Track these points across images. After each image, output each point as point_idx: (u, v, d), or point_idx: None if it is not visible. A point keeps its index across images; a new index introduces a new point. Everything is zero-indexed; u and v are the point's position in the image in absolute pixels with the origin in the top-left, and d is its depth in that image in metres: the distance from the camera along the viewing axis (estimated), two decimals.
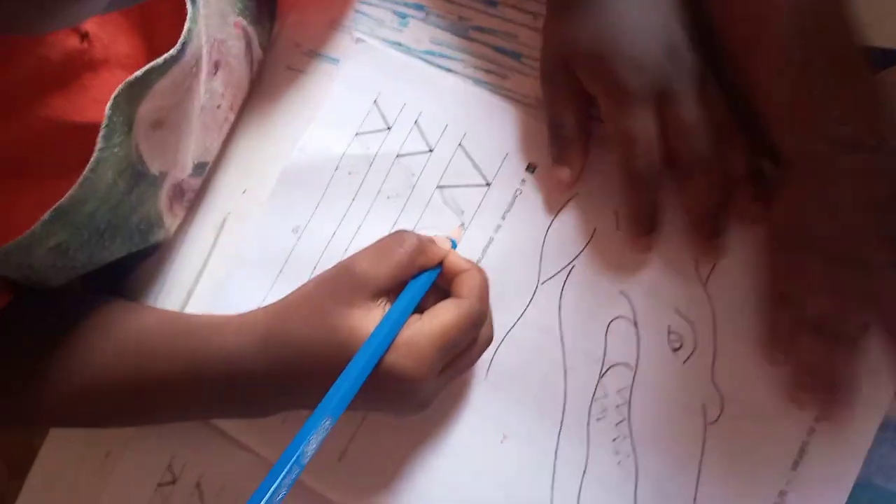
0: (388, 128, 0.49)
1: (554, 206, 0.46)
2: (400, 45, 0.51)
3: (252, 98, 0.52)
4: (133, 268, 0.50)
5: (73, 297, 0.45)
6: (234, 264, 0.48)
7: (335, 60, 0.51)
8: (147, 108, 0.38)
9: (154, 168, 0.41)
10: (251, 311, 0.42)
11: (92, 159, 0.36)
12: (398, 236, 0.41)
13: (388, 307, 0.39)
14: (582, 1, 0.43)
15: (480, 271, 0.42)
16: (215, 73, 0.45)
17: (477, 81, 0.49)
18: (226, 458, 0.46)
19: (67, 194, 0.36)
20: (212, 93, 0.45)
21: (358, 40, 0.50)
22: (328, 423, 0.36)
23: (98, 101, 0.36)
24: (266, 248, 0.48)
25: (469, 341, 0.41)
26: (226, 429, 0.46)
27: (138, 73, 0.36)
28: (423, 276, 0.41)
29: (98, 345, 0.43)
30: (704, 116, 0.41)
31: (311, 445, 0.36)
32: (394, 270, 0.39)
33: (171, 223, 0.47)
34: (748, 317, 0.44)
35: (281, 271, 0.48)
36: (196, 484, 0.46)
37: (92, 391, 0.42)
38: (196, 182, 0.49)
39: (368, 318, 0.38)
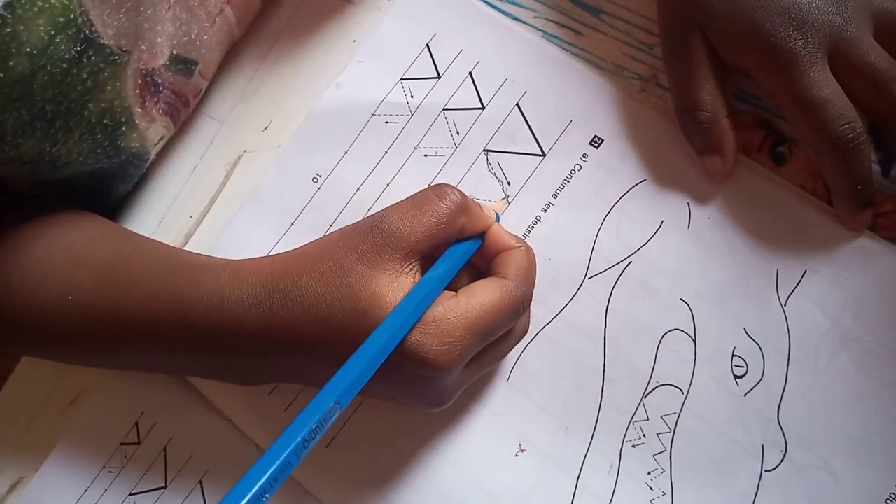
0: (438, 76, 0.42)
1: (617, 190, 0.40)
2: None
3: (288, 24, 0.46)
4: (121, 194, 0.44)
5: (50, 207, 0.39)
6: (241, 209, 0.42)
7: None
8: None
9: (108, 37, 0.35)
10: (255, 258, 0.36)
11: None
12: (440, 188, 0.34)
13: (418, 276, 0.33)
14: None
15: (529, 251, 0.35)
16: None
17: (546, 35, 0.43)
18: (200, 425, 0.40)
19: None
20: None
21: None
22: (335, 410, 0.30)
23: None
24: (281, 194, 0.42)
25: (506, 330, 0.35)
26: (204, 391, 0.40)
27: None
28: (461, 245, 0.35)
29: (71, 260, 0.37)
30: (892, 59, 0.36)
31: (311, 435, 0.29)
32: (431, 227, 0.33)
33: (146, 126, 0.40)
34: (831, 350, 0.36)
35: (293, 223, 0.42)
36: (162, 448, 0.40)
37: (58, 311, 0.36)
38: (179, 82, 0.42)
39: (396, 286, 0.32)
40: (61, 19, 0.32)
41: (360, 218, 0.35)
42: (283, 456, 0.27)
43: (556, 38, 0.43)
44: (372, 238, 0.33)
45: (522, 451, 0.38)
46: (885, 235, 0.38)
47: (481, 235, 0.35)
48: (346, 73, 0.43)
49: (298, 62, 0.45)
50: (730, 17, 0.36)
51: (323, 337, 0.32)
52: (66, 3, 0.32)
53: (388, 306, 0.31)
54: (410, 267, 0.33)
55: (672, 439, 0.37)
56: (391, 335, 0.31)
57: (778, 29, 0.35)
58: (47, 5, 0.31)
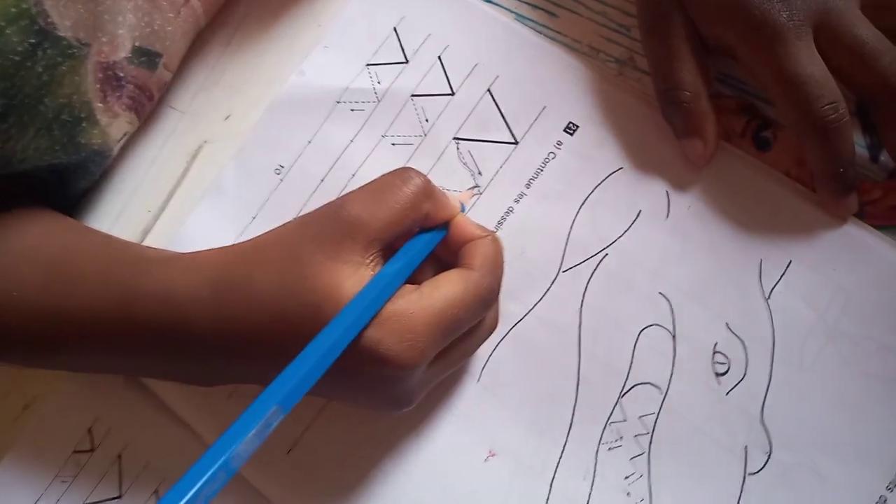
0: (406, 61, 0.40)
1: (592, 179, 0.38)
2: None
3: (249, 9, 0.44)
4: (81, 190, 0.42)
5: (1, 201, 0.37)
6: (199, 203, 0.40)
7: None
8: None
9: (65, 29, 0.33)
10: (210, 249, 0.34)
11: None
12: (402, 172, 0.32)
13: (379, 267, 0.31)
14: None
15: (497, 240, 0.34)
16: None
17: (520, 17, 0.41)
18: (156, 431, 0.38)
19: None
20: None
21: None
22: (277, 414, 0.27)
23: None
24: (242, 187, 0.40)
25: (473, 325, 0.32)
26: (161, 395, 0.38)
27: None
28: (424, 235, 0.33)
29: (17, 255, 0.35)
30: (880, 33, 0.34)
31: (248, 444, 0.26)
32: (393, 214, 0.31)
33: (108, 122, 0.38)
34: (817, 345, 0.35)
35: (255, 217, 0.40)
36: (117, 455, 0.38)
37: (6, 311, 0.34)
38: (143, 75, 0.39)
39: (355, 278, 0.30)
40: (13, 10, 0.30)
41: None
42: (213, 469, 0.25)
43: (529, 20, 0.41)
44: (330, 226, 0.31)
45: (493, 455, 0.36)
46: (874, 223, 0.36)
47: (446, 226, 0.33)
48: (310, 59, 0.41)
49: (262, 48, 0.43)
50: None
51: (276, 333, 0.30)
52: None
53: (345, 300, 0.29)
54: (371, 258, 0.31)
55: (650, 441, 0.35)
56: (343, 332, 0.28)
57: (760, 2, 0.34)
58: None
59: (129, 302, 0.33)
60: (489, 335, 0.35)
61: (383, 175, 0.33)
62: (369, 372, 0.30)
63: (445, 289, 0.31)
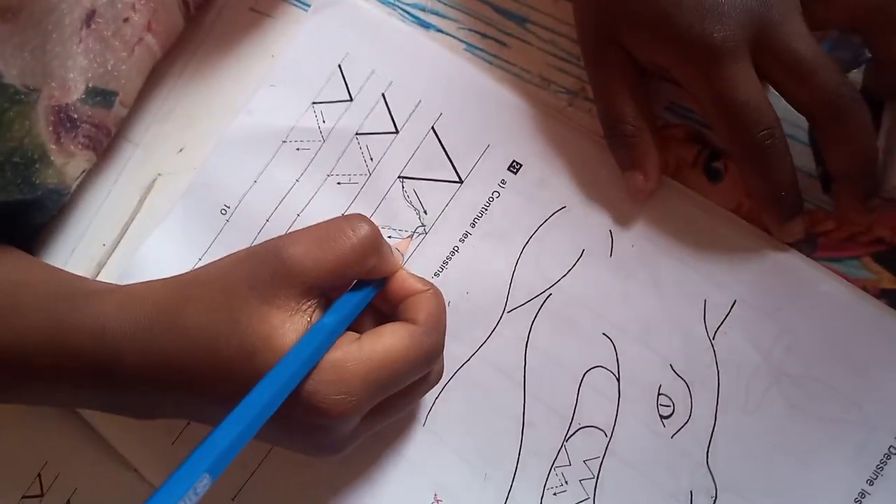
0: (351, 98, 0.40)
1: (536, 218, 0.37)
2: None
3: (204, 39, 0.43)
4: (36, 225, 0.42)
5: None
6: (147, 240, 0.40)
7: (307, 6, 0.42)
8: None
9: (11, 76, 0.33)
10: (149, 281, 0.33)
11: None
12: (353, 220, 0.31)
13: (316, 315, 0.30)
14: None
15: (439, 295, 0.33)
16: None
17: (469, 47, 0.40)
18: (104, 475, 0.38)
19: None
20: None
21: None
22: (205, 481, 0.26)
23: None
24: (189, 226, 0.40)
25: (414, 380, 0.32)
26: (110, 439, 0.38)
27: None
28: (364, 287, 0.32)
29: None
30: (819, 45, 0.33)
31: None
32: (338, 264, 0.30)
33: (64, 162, 0.38)
34: (762, 386, 0.34)
35: (201, 258, 0.39)
36: (66, 501, 0.38)
37: None
38: (99, 115, 0.39)
39: (289, 325, 0.29)
40: None
41: None
42: None
43: (479, 49, 0.40)
44: (267, 268, 0.30)
45: (438, 501, 0.35)
46: (827, 255, 0.36)
47: (382, 281, 0.33)
48: (257, 98, 0.41)
49: (214, 80, 0.43)
50: (642, 18, 0.34)
51: (207, 374, 0.30)
52: None
53: (278, 349, 0.29)
54: (308, 305, 0.30)
55: (595, 486, 0.35)
56: (280, 388, 0.28)
57: (692, 23, 0.33)
58: None
59: (62, 336, 0.32)
60: (431, 389, 0.34)
61: (333, 219, 0.32)
62: (302, 418, 0.29)
63: (387, 342, 0.30)
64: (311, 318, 0.30)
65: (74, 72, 0.36)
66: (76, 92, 0.37)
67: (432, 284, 0.33)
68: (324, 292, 0.31)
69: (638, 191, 0.36)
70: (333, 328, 0.30)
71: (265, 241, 0.32)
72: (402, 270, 0.33)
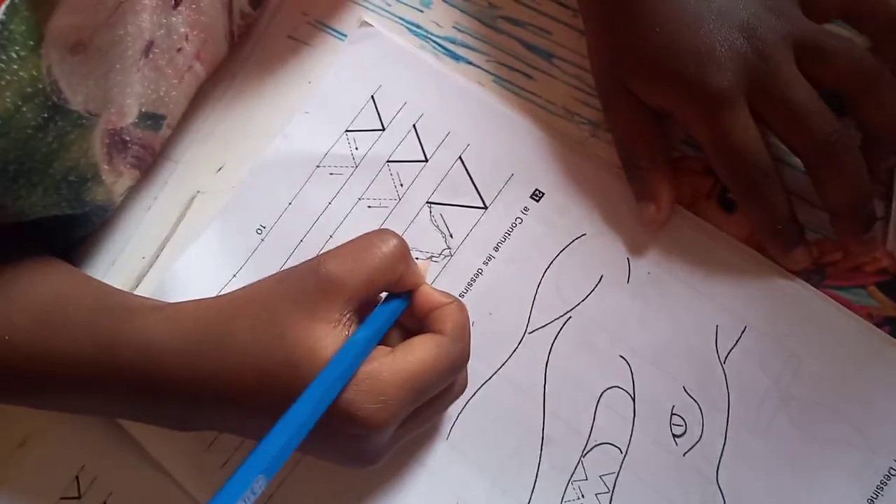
0: (383, 128, 0.42)
1: (557, 243, 0.39)
2: (418, 27, 0.44)
3: (244, 65, 0.46)
4: (81, 237, 0.44)
5: None
6: (183, 257, 0.42)
7: (344, 36, 0.45)
8: (61, 24, 0.32)
9: (77, 103, 0.35)
10: (191, 301, 0.35)
11: None
12: (381, 234, 0.33)
13: (354, 327, 0.32)
14: (623, 9, 0.37)
15: (463, 307, 0.35)
16: (175, 7, 0.38)
17: (498, 80, 0.43)
18: (140, 480, 0.40)
19: None
20: (169, 29, 0.39)
21: (363, 24, 0.44)
22: (261, 482, 0.28)
23: None
24: (224, 245, 0.42)
25: (443, 388, 0.34)
26: (145, 444, 0.40)
27: None
28: (393, 301, 0.34)
29: (10, 300, 0.36)
30: (813, 90, 0.35)
31: None
32: (371, 274, 0.32)
33: (113, 181, 0.40)
34: (770, 409, 0.36)
35: (235, 275, 0.41)
36: (102, 503, 0.40)
37: None
38: (148, 137, 0.42)
39: (332, 337, 0.31)
40: (29, 89, 0.32)
41: None
42: None
43: (507, 82, 0.43)
44: (309, 284, 0.32)
45: None
46: (835, 284, 0.38)
47: (409, 294, 0.35)
48: (293, 123, 0.43)
49: (253, 103, 0.45)
50: (645, 68, 0.36)
51: (252, 388, 0.31)
52: (35, 74, 0.32)
53: (322, 360, 0.30)
54: (348, 317, 0.32)
55: (611, 500, 0.36)
56: (322, 395, 0.29)
57: (691, 73, 0.35)
58: (15, 78, 0.31)
59: (108, 349, 0.34)
60: (458, 398, 0.36)
61: (363, 235, 0.34)
62: (340, 430, 0.31)
63: (418, 353, 0.32)
64: (349, 330, 0.32)
65: (131, 98, 0.38)
66: (130, 116, 0.39)
67: (456, 297, 0.35)
68: (362, 303, 0.32)
69: (650, 221, 0.38)
70: (368, 339, 0.32)
71: (303, 262, 0.34)
72: (426, 286, 0.35)
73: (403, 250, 0.33)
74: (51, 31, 0.32)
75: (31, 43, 0.31)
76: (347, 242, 0.33)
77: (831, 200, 0.36)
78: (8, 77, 0.31)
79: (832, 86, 0.36)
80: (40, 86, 0.33)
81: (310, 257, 0.36)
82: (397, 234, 0.33)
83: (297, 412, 0.29)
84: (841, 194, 0.36)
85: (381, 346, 0.32)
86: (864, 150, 0.36)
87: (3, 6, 0.29)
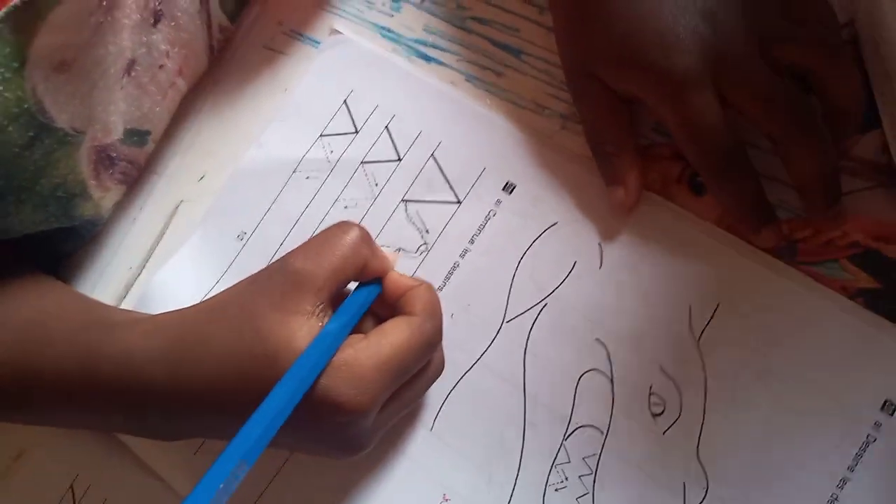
0: (356, 131, 0.43)
1: (530, 233, 0.40)
2: (389, 31, 0.45)
3: (222, 76, 0.47)
4: (69, 251, 0.45)
5: None
6: (165, 267, 0.43)
7: (318, 44, 0.46)
8: (45, 44, 0.33)
9: (62, 121, 0.36)
10: (170, 311, 0.36)
11: None
12: (341, 225, 0.35)
13: (328, 317, 0.33)
14: (587, 5, 0.37)
15: (431, 287, 0.36)
16: (154, 25, 0.40)
17: (470, 77, 0.44)
18: (133, 485, 0.40)
19: None
20: (150, 47, 0.40)
21: (333, 32, 0.45)
22: (242, 468, 0.29)
23: None
24: (206, 252, 0.43)
25: (420, 367, 0.34)
26: (136, 450, 0.40)
27: None
28: (363, 289, 0.35)
29: None
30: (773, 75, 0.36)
31: (217, 499, 0.28)
32: (337, 263, 0.33)
33: (101, 196, 0.41)
34: (747, 383, 0.36)
35: (219, 280, 0.42)
36: None
37: None
38: (133, 153, 0.43)
39: (307, 328, 0.32)
40: (14, 110, 0.33)
41: None
42: None
43: (478, 80, 0.44)
44: (279, 280, 0.33)
45: (446, 500, 0.38)
46: (807, 260, 0.38)
47: (379, 281, 0.35)
48: (268, 132, 0.44)
49: (232, 112, 0.46)
50: (613, 58, 0.37)
51: (234, 388, 0.32)
52: (20, 94, 0.33)
53: (299, 350, 0.31)
54: (320, 308, 0.33)
55: (594, 481, 0.37)
56: (299, 382, 0.30)
57: (656, 58, 0.36)
58: (1, 99, 0.32)
59: (91, 364, 0.34)
60: (436, 377, 0.37)
61: (324, 229, 0.35)
62: (324, 419, 0.31)
63: (392, 335, 0.33)
64: (323, 321, 0.32)
65: (115, 115, 0.39)
66: (116, 133, 0.40)
67: (424, 280, 0.36)
68: (333, 294, 0.33)
69: (618, 204, 0.39)
70: (342, 326, 0.32)
71: (271, 262, 0.35)
72: (394, 273, 0.36)
73: (364, 236, 0.34)
74: (34, 52, 0.33)
75: (16, 65, 0.32)
76: (311, 238, 0.34)
77: (799, 175, 0.37)
78: None
79: (796, 63, 0.37)
80: (25, 105, 0.34)
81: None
82: (356, 223, 0.35)
83: (275, 398, 0.30)
84: (808, 168, 0.36)
85: (356, 334, 0.33)
86: (829, 126, 0.37)
87: None
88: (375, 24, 0.46)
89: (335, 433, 0.33)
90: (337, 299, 0.34)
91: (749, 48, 0.36)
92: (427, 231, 0.41)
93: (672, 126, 0.37)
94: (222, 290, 0.35)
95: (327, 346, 0.31)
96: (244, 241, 0.43)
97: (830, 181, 0.37)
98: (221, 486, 0.28)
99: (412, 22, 0.45)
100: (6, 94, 0.32)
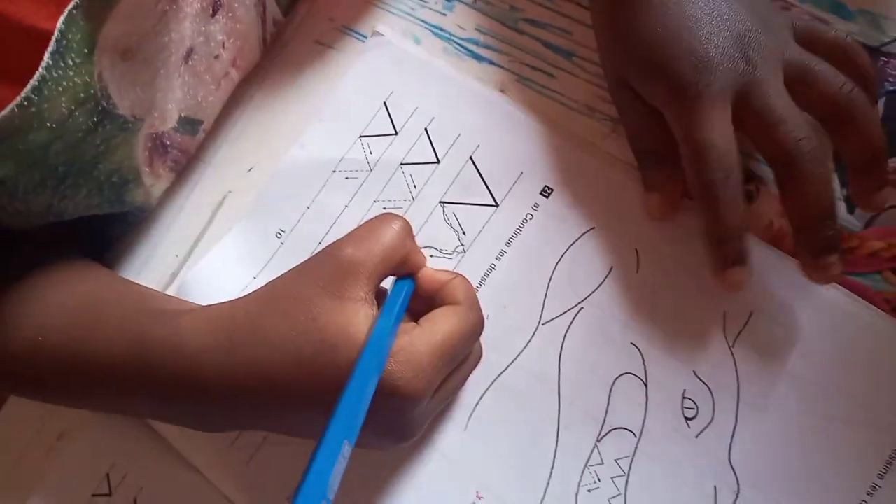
0: (396, 132, 0.44)
1: (567, 237, 0.41)
2: (441, 29, 0.46)
3: (273, 69, 0.47)
4: (116, 236, 0.45)
5: (29, 245, 0.40)
6: (203, 260, 0.43)
7: (366, 37, 0.47)
8: (112, 31, 0.34)
9: (124, 108, 0.37)
10: (219, 303, 0.36)
11: (35, 76, 0.31)
12: (384, 216, 0.36)
13: (376, 304, 0.33)
14: (625, 9, 0.39)
15: (467, 279, 0.37)
16: (213, 16, 0.40)
17: (521, 79, 0.44)
18: (169, 477, 0.41)
19: (3, 113, 0.31)
20: (207, 37, 0.40)
21: (374, 33, 0.45)
22: (347, 448, 0.29)
23: (59, 3, 0.31)
24: (244, 249, 0.43)
25: (466, 355, 0.36)
26: (174, 442, 0.41)
27: None
28: (403, 282, 0.36)
29: (45, 302, 0.38)
30: (794, 104, 0.36)
31: (334, 482, 0.28)
32: (385, 250, 0.34)
33: (152, 183, 0.42)
34: (779, 390, 0.37)
35: (256, 277, 0.43)
36: (133, 500, 0.41)
37: (31, 353, 0.37)
38: (186, 141, 0.44)
39: (362, 314, 0.32)
40: (82, 95, 0.34)
41: None
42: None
43: (529, 80, 0.44)
44: (330, 268, 0.33)
45: (480, 498, 0.38)
46: (851, 271, 0.39)
47: (412, 278, 0.36)
48: (308, 132, 0.45)
49: (282, 106, 0.47)
50: (642, 65, 0.38)
51: (291, 376, 0.32)
52: (88, 80, 0.34)
53: (356, 337, 0.32)
54: (371, 294, 0.33)
55: (626, 483, 0.37)
56: (377, 365, 0.31)
57: (679, 70, 0.36)
58: (71, 84, 0.33)
59: (142, 349, 0.35)
60: (476, 365, 0.38)
61: (368, 221, 0.36)
62: (383, 404, 0.32)
63: (443, 323, 0.34)
64: (373, 306, 0.33)
65: (172, 103, 0.40)
66: (171, 121, 0.41)
67: (457, 272, 0.37)
68: (381, 280, 0.34)
69: (653, 210, 0.40)
70: (398, 314, 0.33)
71: (317, 253, 0.35)
72: (427, 268, 0.37)
73: (408, 228, 0.35)
74: (102, 38, 0.33)
75: (86, 50, 0.33)
76: (355, 229, 0.35)
77: (792, 212, 0.36)
78: (65, 83, 0.32)
79: (814, 107, 0.37)
80: (92, 91, 0.34)
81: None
82: (399, 215, 0.36)
83: (357, 382, 0.30)
84: (802, 206, 0.36)
85: (407, 323, 0.34)
86: (850, 179, 0.37)
87: (62, 17, 0.31)
88: (427, 23, 0.46)
89: (392, 418, 0.33)
90: (379, 292, 0.34)
91: (773, 79, 0.36)
92: (464, 233, 0.42)
93: (681, 140, 0.37)
94: (267, 281, 0.35)
95: (390, 330, 0.32)
96: (282, 239, 0.43)
97: (824, 226, 0.36)
98: (335, 468, 0.28)
99: (464, 21, 0.46)
100: (76, 80, 0.33)
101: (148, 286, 0.42)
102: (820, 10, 0.42)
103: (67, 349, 0.36)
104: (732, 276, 0.36)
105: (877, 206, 0.37)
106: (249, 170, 0.46)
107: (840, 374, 0.37)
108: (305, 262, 0.35)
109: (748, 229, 0.37)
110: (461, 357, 0.35)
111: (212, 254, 0.44)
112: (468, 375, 0.37)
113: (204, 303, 0.38)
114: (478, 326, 0.35)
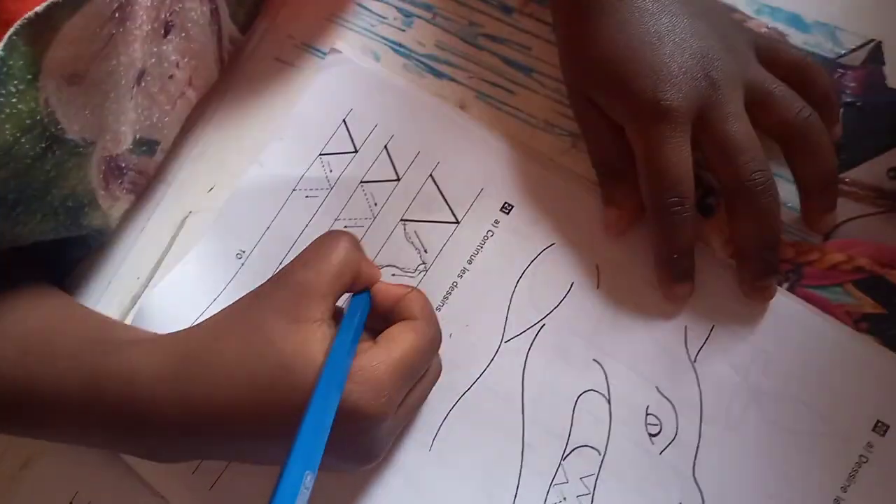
0: (355, 150, 0.43)
1: (528, 254, 0.40)
2: (401, 45, 0.46)
3: (232, 87, 0.47)
4: (77, 259, 0.45)
5: None
6: (162, 283, 0.43)
7: (325, 54, 0.46)
8: (57, 56, 0.33)
9: (73, 132, 0.36)
10: (174, 332, 0.36)
11: None
12: (331, 233, 0.36)
13: (333, 324, 0.33)
14: (589, 23, 0.38)
15: (423, 293, 0.37)
16: (165, 36, 0.40)
17: (481, 95, 0.44)
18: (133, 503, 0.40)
19: None
20: (160, 58, 0.40)
21: (332, 50, 0.45)
22: (309, 478, 0.29)
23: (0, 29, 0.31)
24: (204, 270, 0.43)
25: (425, 370, 0.36)
26: (138, 469, 0.40)
27: (39, 8, 0.31)
28: (359, 297, 0.36)
29: (2, 334, 0.37)
30: (752, 130, 0.36)
31: None
32: (336, 268, 0.34)
33: (109, 206, 0.42)
34: (742, 404, 0.37)
35: (216, 298, 0.42)
36: None
37: None
38: (143, 162, 0.43)
39: (319, 335, 0.32)
40: (27, 121, 0.33)
41: None
42: None
43: (489, 97, 0.44)
44: (285, 292, 0.33)
45: None
46: (812, 283, 0.39)
47: (368, 292, 0.36)
48: (268, 151, 0.44)
49: (242, 124, 0.46)
50: (603, 80, 0.38)
51: (248, 400, 0.32)
52: (34, 106, 0.33)
53: (315, 357, 0.31)
54: (328, 314, 0.33)
55: (591, 501, 0.37)
56: (336, 387, 0.30)
57: (645, 88, 0.36)
58: (14, 111, 0.32)
59: (95, 382, 0.34)
60: (436, 380, 0.38)
61: (315, 240, 0.35)
62: (344, 426, 0.31)
63: (401, 339, 0.33)
64: (330, 327, 0.33)
65: (126, 125, 0.39)
66: (125, 143, 0.40)
67: (411, 286, 0.37)
68: (335, 301, 0.34)
69: (611, 224, 0.39)
70: (355, 333, 0.33)
71: (272, 276, 0.35)
72: (381, 283, 0.37)
73: (355, 241, 0.36)
74: (47, 64, 0.33)
75: (29, 76, 0.32)
76: (305, 250, 0.35)
77: (739, 238, 0.38)
78: (7, 110, 0.32)
79: (770, 131, 0.38)
80: (38, 117, 0.34)
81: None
82: (345, 231, 0.36)
83: (318, 403, 0.30)
84: (749, 236, 0.37)
85: (364, 342, 0.34)
86: (801, 202, 0.39)
87: (2, 43, 0.30)
88: (386, 39, 0.46)
89: (354, 440, 0.33)
90: (334, 312, 0.34)
91: (734, 102, 0.36)
92: (425, 251, 0.41)
93: (639, 156, 0.37)
94: (223, 307, 0.35)
95: (348, 349, 0.32)
96: (243, 260, 0.43)
97: (768, 252, 0.37)
98: (298, 499, 0.28)
99: (424, 38, 0.46)
100: (20, 106, 0.32)
101: (109, 309, 0.42)
102: (777, 23, 0.42)
103: (19, 381, 0.36)
104: (678, 290, 0.38)
105: (824, 228, 0.39)
106: (210, 189, 0.45)
107: (802, 387, 0.37)
108: (260, 287, 0.35)
109: (693, 248, 0.38)
110: (420, 372, 0.35)
111: (171, 276, 0.43)
112: (429, 390, 0.37)
113: (163, 327, 0.37)
114: (436, 341, 0.35)
